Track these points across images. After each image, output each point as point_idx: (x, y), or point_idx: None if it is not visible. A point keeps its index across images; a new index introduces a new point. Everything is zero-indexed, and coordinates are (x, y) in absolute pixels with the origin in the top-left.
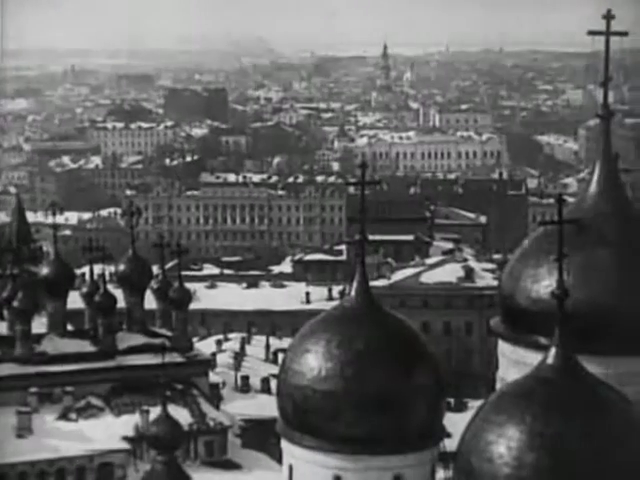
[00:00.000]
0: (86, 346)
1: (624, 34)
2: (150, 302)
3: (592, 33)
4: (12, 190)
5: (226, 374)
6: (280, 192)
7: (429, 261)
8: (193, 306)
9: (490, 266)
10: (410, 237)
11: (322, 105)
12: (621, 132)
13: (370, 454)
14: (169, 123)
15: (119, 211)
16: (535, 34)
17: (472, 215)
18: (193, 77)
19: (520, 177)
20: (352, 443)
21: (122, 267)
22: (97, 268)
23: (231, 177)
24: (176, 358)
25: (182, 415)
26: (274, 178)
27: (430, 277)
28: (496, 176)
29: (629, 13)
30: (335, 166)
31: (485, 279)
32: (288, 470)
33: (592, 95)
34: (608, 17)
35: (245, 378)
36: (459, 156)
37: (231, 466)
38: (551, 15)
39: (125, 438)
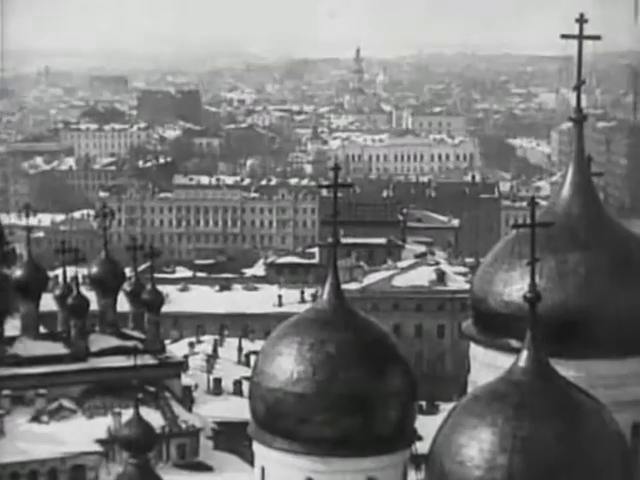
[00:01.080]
0: (59, 348)
1: (597, 38)
2: (123, 304)
3: (565, 37)
4: None
5: (198, 376)
6: (253, 194)
7: (401, 264)
8: (165, 309)
9: (462, 269)
10: (382, 240)
11: (295, 107)
12: (594, 136)
13: (342, 456)
14: (142, 125)
15: (92, 213)
16: (508, 38)
17: (444, 218)
18: (166, 79)
19: (493, 180)
20: (324, 445)
21: (95, 269)
22: (70, 270)
23: (204, 179)
24: (148, 360)
25: (154, 417)
26: (247, 180)
27: (402, 280)
28: (469, 179)
29: (602, 17)
30: (308, 169)
31: (457, 282)
32: (260, 472)
33: (565, 99)
34: (581, 21)
35: (217, 380)
36: (432, 159)
37: (203, 468)
38: (524, 19)
39: (97, 440)
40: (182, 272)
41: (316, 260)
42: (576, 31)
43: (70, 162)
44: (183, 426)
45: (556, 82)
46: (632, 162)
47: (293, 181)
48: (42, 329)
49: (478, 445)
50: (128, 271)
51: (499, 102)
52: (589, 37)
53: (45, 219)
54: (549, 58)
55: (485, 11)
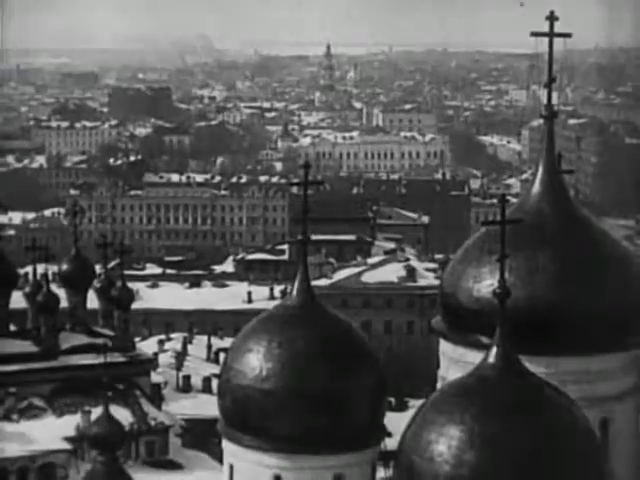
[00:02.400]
0: (28, 346)
1: (568, 35)
2: (93, 301)
3: (535, 34)
4: None
5: (168, 374)
6: (223, 192)
7: (371, 261)
8: (135, 306)
9: (432, 266)
10: (352, 237)
11: (266, 105)
12: (564, 133)
13: (310, 453)
14: (113, 122)
15: (63, 211)
16: (479, 35)
17: (414, 215)
18: (137, 76)
19: (463, 177)
20: (293, 442)
21: (65, 267)
22: (40, 268)
23: (174, 177)
24: (118, 358)
25: (123, 415)
26: (217, 178)
27: (372, 277)
28: (439, 176)
29: (573, 14)
30: (278, 166)
31: (427, 279)
32: (229, 469)
33: (536, 96)
34: (552, 18)
35: (187, 378)
36: (402, 156)
37: (172, 466)
38: (495, 16)
39: (67, 438)
40: (152, 269)
41: (286, 257)
42: (547, 29)
43: (41, 160)
44: (152, 424)
45: (526, 79)
46: (602, 159)
47: (263, 178)
48: (12, 327)
49: (447, 441)
50: (98, 268)
51: (469, 99)
52: (560, 35)
53: (16, 217)
54: (519, 55)
55: (455, 8)
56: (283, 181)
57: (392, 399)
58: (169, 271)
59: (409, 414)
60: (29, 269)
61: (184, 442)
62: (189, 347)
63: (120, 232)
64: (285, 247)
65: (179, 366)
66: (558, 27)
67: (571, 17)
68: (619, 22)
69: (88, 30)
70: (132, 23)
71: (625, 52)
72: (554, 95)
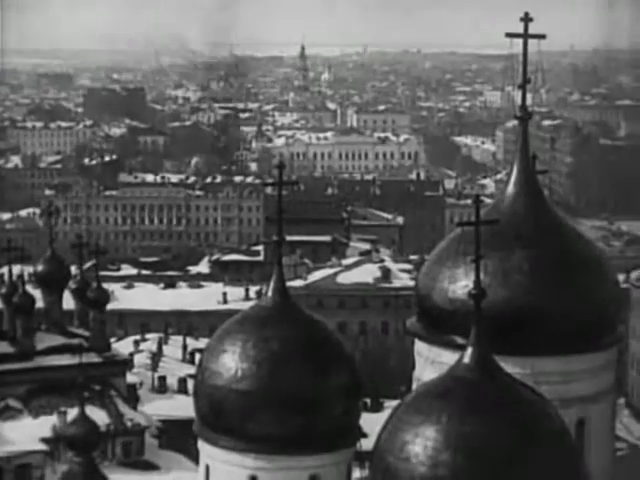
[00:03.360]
0: (4, 347)
1: (542, 37)
2: (68, 302)
3: (510, 35)
4: None
5: (143, 374)
6: (198, 192)
7: (346, 262)
8: (111, 306)
9: (407, 267)
10: (327, 238)
11: (240, 105)
12: (539, 134)
13: (286, 454)
14: (88, 122)
15: (38, 211)
16: (453, 36)
17: (389, 216)
18: (112, 76)
19: (437, 178)
20: (268, 443)
21: (40, 267)
22: (15, 268)
23: (149, 177)
24: (94, 359)
25: (99, 416)
26: (192, 178)
27: (347, 277)
28: (413, 177)
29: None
30: (253, 166)
31: (402, 279)
32: (204, 470)
33: (510, 97)
34: (526, 20)
35: (162, 378)
36: (376, 157)
37: (148, 467)
38: (469, 17)
39: (43, 439)
40: (127, 270)
41: (261, 257)
42: (521, 30)
43: (16, 160)
44: (128, 424)
45: (501, 80)
46: (577, 160)
47: (238, 179)
48: None
49: (423, 442)
50: (73, 269)
51: (444, 100)
52: (534, 36)
53: None
54: (494, 56)
55: (430, 9)
56: (257, 181)
57: (367, 400)
58: (144, 272)
59: (384, 415)
60: (4, 270)
61: (160, 443)
62: (164, 348)
63: (95, 233)
64: (260, 248)
65: (155, 367)
66: (532, 28)
67: (546, 19)
68: (596, 24)
69: (63, 31)
70: (107, 23)
71: (599, 54)
72: (528, 96)
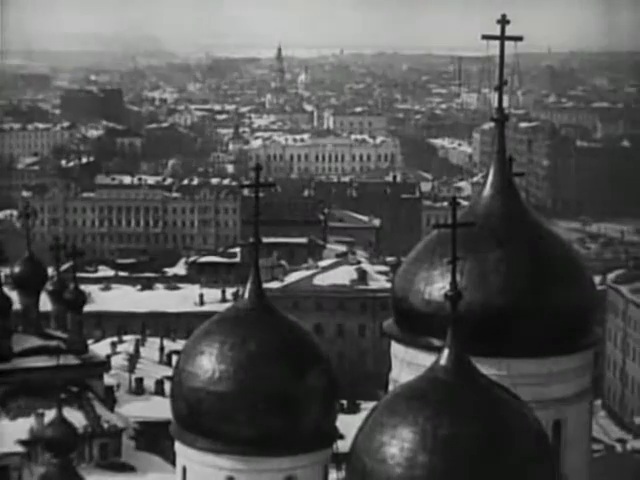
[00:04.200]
0: None
1: (519, 39)
2: (45, 304)
3: (487, 37)
4: None
5: (120, 376)
6: (175, 194)
7: (322, 264)
8: (88, 308)
9: (383, 269)
10: (304, 240)
11: (217, 107)
12: (515, 136)
13: (263, 455)
14: (65, 124)
15: (15, 213)
16: (430, 38)
17: (366, 218)
18: (89, 78)
19: (414, 180)
20: (245, 444)
21: (17, 269)
22: None
23: (126, 179)
24: (71, 360)
25: (77, 418)
26: (169, 180)
27: (323, 279)
28: (390, 179)
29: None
30: (230, 168)
31: (378, 282)
32: (181, 472)
33: (486, 99)
34: (503, 22)
35: (139, 380)
36: (353, 159)
37: (125, 468)
38: (445, 19)
39: (20, 441)
40: (104, 271)
41: (237, 259)
42: (498, 32)
43: None
44: (105, 426)
45: (477, 82)
46: (553, 163)
47: (215, 181)
48: None
49: (399, 443)
50: (51, 271)
51: (420, 102)
52: (511, 38)
53: None
54: (471, 58)
55: (406, 11)
56: (234, 183)
57: (344, 401)
58: (121, 273)
59: (361, 416)
60: None
61: (137, 444)
62: (142, 349)
63: (72, 234)
64: (237, 250)
65: (132, 368)
66: (510, 30)
67: (523, 21)
68: (573, 26)
69: (41, 32)
70: (84, 25)
71: (576, 56)
72: (505, 98)
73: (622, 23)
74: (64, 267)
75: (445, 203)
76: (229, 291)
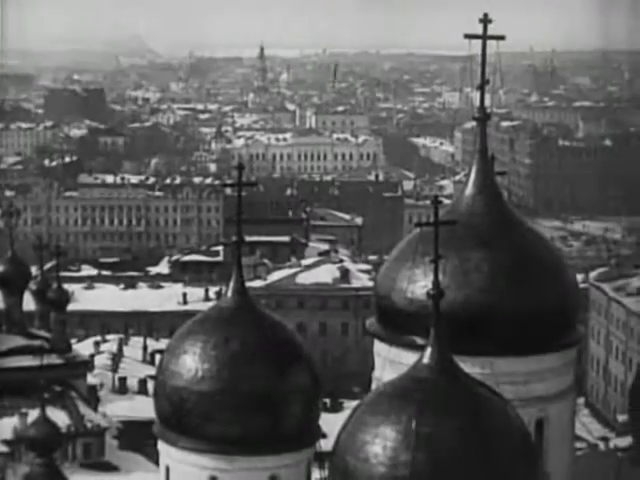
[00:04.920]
0: None
1: (501, 38)
2: (29, 303)
3: (469, 37)
4: None
5: (104, 375)
6: (158, 193)
7: (305, 262)
8: (71, 307)
9: (366, 267)
10: (286, 238)
11: (199, 106)
12: (497, 135)
13: (246, 455)
14: (48, 123)
15: None
16: (412, 37)
17: (348, 217)
18: (72, 77)
19: (396, 179)
20: (228, 444)
21: (1, 268)
22: None
23: (109, 178)
24: (54, 360)
25: (60, 417)
26: (151, 179)
27: (306, 278)
28: (372, 178)
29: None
30: (212, 167)
31: (361, 280)
32: (165, 471)
33: (469, 98)
34: (485, 21)
35: (122, 379)
36: (335, 158)
37: (109, 468)
38: (427, 18)
39: (4, 441)
40: (87, 270)
41: (220, 258)
42: (480, 31)
43: None
44: (89, 426)
45: (459, 81)
46: (535, 161)
47: (197, 180)
48: None
49: (382, 442)
50: (34, 270)
51: (402, 101)
52: (493, 37)
53: None
54: (453, 57)
55: (388, 10)
56: (217, 182)
57: (327, 400)
58: (104, 272)
59: (344, 415)
60: None
61: (120, 444)
62: (125, 349)
63: (56, 234)
64: (220, 248)
65: (115, 368)
66: (491, 30)
67: (505, 20)
68: (555, 26)
69: (23, 31)
70: (67, 24)
71: (558, 55)
72: (487, 97)
73: (604, 22)
74: (47, 266)
75: (427, 202)
76: (212, 290)
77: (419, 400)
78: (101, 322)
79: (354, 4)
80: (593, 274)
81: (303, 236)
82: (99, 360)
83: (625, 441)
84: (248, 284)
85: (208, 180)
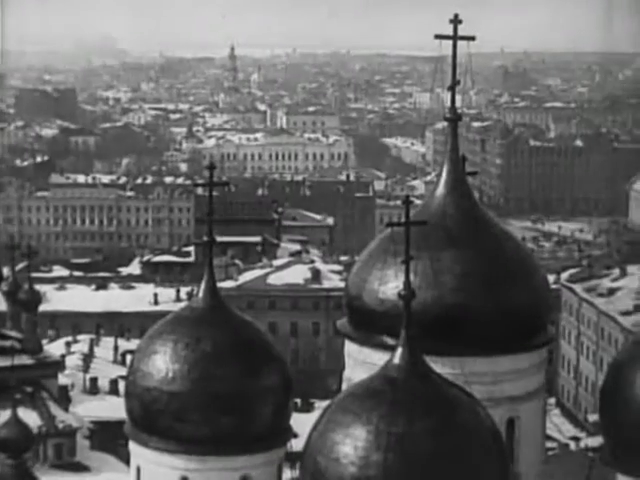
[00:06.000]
0: None
1: (471, 38)
2: (0, 304)
3: (439, 37)
4: None
5: (75, 376)
6: (129, 193)
7: (276, 262)
8: (43, 308)
9: (337, 267)
10: (257, 239)
11: (170, 106)
12: (468, 135)
13: (217, 455)
14: (19, 123)
15: None
16: (382, 38)
17: (319, 217)
18: (43, 77)
19: (367, 179)
20: (199, 444)
21: None
22: None
23: (80, 178)
24: (26, 360)
25: (31, 418)
26: (123, 179)
27: (277, 278)
28: (343, 178)
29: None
30: (183, 167)
31: (332, 280)
32: (136, 471)
33: (439, 98)
34: (455, 21)
35: (94, 380)
36: (306, 158)
37: (80, 468)
38: (398, 19)
39: None
40: (59, 271)
41: (192, 258)
42: (450, 31)
43: None
44: (60, 426)
45: (430, 82)
46: (506, 162)
47: (168, 180)
48: None
49: (353, 442)
50: (5, 270)
51: (373, 102)
52: (463, 38)
53: None
54: (423, 58)
55: (359, 11)
56: (188, 182)
57: (298, 400)
58: (76, 273)
59: (315, 415)
60: None
61: (92, 444)
62: (96, 349)
63: (27, 234)
64: (191, 249)
65: (86, 368)
66: (462, 30)
67: (476, 21)
68: (526, 27)
69: None
70: (38, 24)
71: (529, 56)
72: (458, 98)
73: (575, 23)
74: (19, 267)
75: (398, 202)
76: (183, 290)
77: (389, 400)
78: (72, 322)
79: (324, 4)
80: (564, 275)
81: (274, 236)
82: (70, 360)
83: (596, 441)
84: (219, 284)
85: (179, 180)
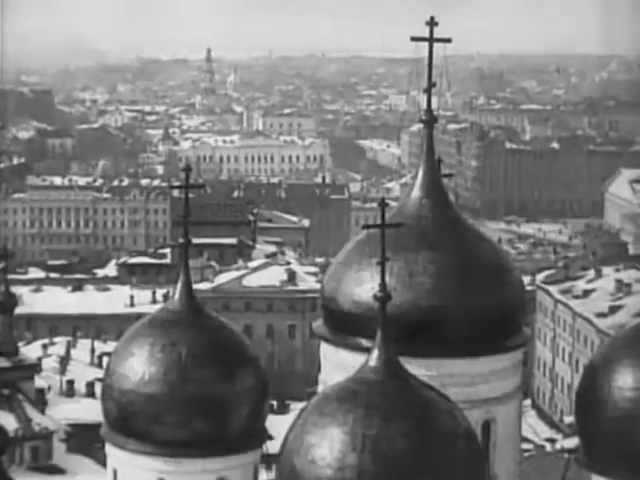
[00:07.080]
0: None
1: (447, 41)
2: None
3: (415, 39)
4: None
5: (51, 378)
6: (105, 195)
7: (252, 264)
8: (19, 310)
9: (313, 269)
10: (233, 240)
11: (147, 108)
12: (444, 138)
13: (193, 457)
14: None
15: None
16: (358, 40)
17: (295, 219)
18: (19, 78)
19: (343, 181)
20: (175, 446)
21: None
22: None
23: (57, 180)
24: (2, 363)
25: (8, 420)
26: (99, 181)
27: (253, 280)
28: (319, 180)
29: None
30: (159, 169)
31: (308, 282)
32: (112, 474)
33: (415, 101)
34: (431, 24)
35: (70, 382)
36: (282, 160)
37: (56, 471)
38: (374, 21)
39: None
40: (35, 273)
41: (168, 260)
42: (427, 34)
43: None
44: (36, 429)
45: (406, 84)
46: (482, 164)
47: (144, 182)
48: None
49: (329, 444)
50: None
51: (349, 104)
52: (439, 40)
53: None
54: (399, 60)
55: (335, 14)
56: (164, 184)
57: (274, 402)
58: (52, 275)
59: (291, 417)
60: None
61: (68, 447)
62: (72, 351)
63: (3, 236)
64: (167, 251)
65: (63, 370)
66: (438, 32)
67: (452, 23)
68: (501, 29)
69: None
70: (14, 25)
71: (505, 59)
72: (434, 100)
73: (550, 26)
74: None
75: (374, 204)
76: (159, 292)
77: (365, 402)
78: (49, 325)
79: (300, 7)
80: (540, 276)
81: (250, 238)
82: (47, 363)
83: (572, 442)
84: (195, 286)
85: (155, 182)
